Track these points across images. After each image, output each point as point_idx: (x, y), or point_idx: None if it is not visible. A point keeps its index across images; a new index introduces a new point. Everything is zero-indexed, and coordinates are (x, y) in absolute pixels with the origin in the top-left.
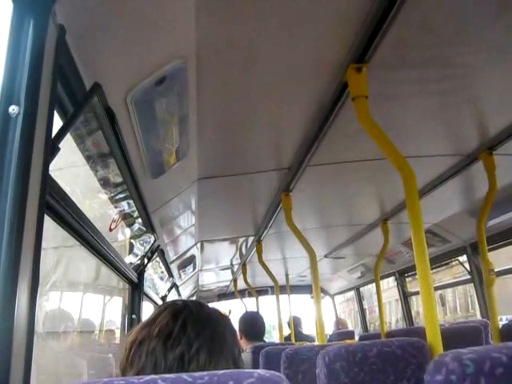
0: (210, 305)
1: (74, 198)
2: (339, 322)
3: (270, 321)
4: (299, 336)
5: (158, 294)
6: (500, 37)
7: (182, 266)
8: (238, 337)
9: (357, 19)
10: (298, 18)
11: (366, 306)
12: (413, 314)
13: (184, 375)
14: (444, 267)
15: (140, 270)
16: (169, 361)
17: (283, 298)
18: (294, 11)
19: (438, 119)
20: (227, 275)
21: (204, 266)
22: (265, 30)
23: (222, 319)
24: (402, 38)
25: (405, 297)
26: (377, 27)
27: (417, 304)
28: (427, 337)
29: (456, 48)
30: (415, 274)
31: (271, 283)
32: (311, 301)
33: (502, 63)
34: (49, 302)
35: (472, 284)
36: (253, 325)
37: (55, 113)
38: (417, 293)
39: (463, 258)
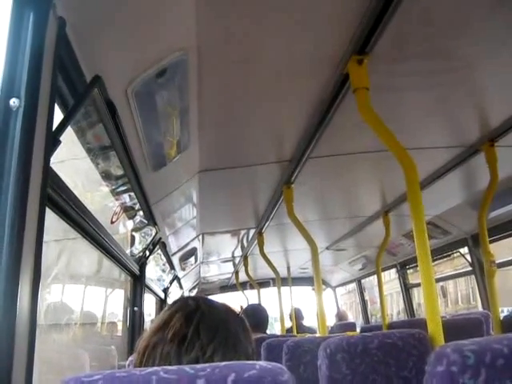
0: (213, 297)
1: (75, 191)
2: (340, 314)
3: (271, 313)
4: (301, 328)
5: (159, 287)
6: (501, 28)
7: (184, 259)
8: None
9: (357, 11)
10: (298, 10)
11: (367, 298)
12: (414, 305)
13: (186, 367)
14: (445, 259)
15: (142, 262)
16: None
17: (285, 290)
18: (295, 3)
19: (440, 111)
20: (229, 267)
21: (205, 258)
22: (265, 23)
23: (235, 319)
24: (402, 30)
25: (406, 289)
26: (378, 19)
27: (418, 296)
28: (428, 328)
29: (457, 40)
30: (416, 265)
31: (273, 275)
32: (313, 293)
33: (503, 55)
34: (51, 294)
35: (473, 276)
36: (256, 316)
37: (56, 105)
38: (418, 284)
39: (464, 250)
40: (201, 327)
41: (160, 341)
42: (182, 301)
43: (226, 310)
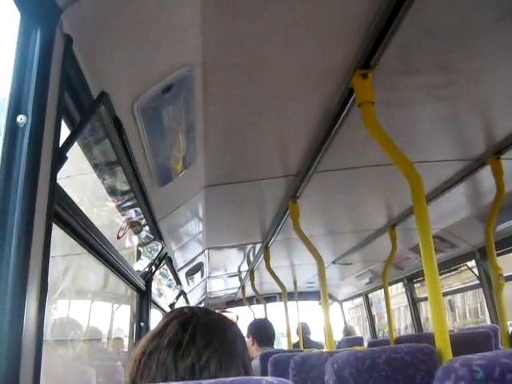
0: (218, 312)
1: (81, 207)
2: (347, 329)
3: (278, 328)
4: (308, 343)
5: (166, 302)
6: (506, 41)
7: (190, 274)
8: (250, 343)
9: (362, 25)
10: (303, 25)
11: (374, 313)
12: (422, 320)
13: (191, 383)
14: (453, 272)
15: (148, 277)
16: (179, 371)
17: (291, 304)
18: (299, 18)
19: (445, 124)
20: (235, 282)
21: (212, 273)
22: (270, 38)
23: (231, 326)
24: (407, 43)
25: (413, 303)
26: (382, 33)
27: (426, 310)
28: (436, 343)
29: (461, 53)
30: (424, 279)
31: (279, 290)
32: (319, 307)
33: (508, 67)
34: (57, 309)
35: (481, 289)
36: (263, 331)
37: (62, 122)
38: (426, 299)
39: (472, 263)
40: (196, 333)
41: (156, 348)
42: (178, 310)
43: (222, 317)
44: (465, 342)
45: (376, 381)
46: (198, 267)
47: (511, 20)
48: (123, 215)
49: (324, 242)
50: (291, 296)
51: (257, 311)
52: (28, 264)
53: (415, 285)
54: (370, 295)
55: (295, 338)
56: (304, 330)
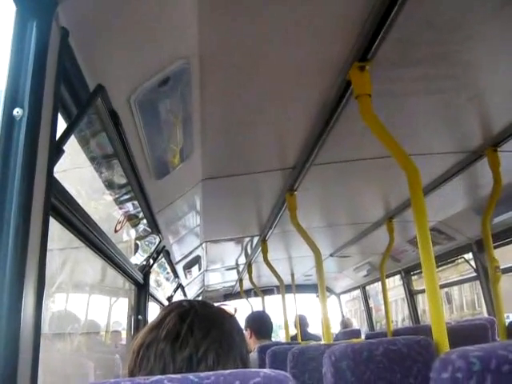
0: (216, 305)
1: (79, 200)
2: (345, 321)
3: (276, 320)
4: (305, 335)
5: (163, 295)
6: (503, 33)
7: (188, 267)
8: (248, 336)
9: (359, 18)
10: (300, 18)
11: (372, 305)
12: (419, 312)
13: (190, 375)
14: (450, 265)
15: (145, 270)
16: (177, 363)
17: (289, 297)
18: (297, 11)
19: (442, 116)
20: (233, 275)
21: (209, 266)
22: (268, 30)
23: (229, 319)
24: (404, 36)
25: (411, 295)
26: (379, 25)
27: (423, 302)
28: (433, 335)
29: (459, 45)
30: (421, 272)
31: (277, 283)
32: (317, 300)
33: (505, 60)
34: (55, 303)
35: (478, 281)
36: (261, 323)
37: (59, 115)
38: (423, 291)
39: (469, 256)
40: (194, 325)
41: (154, 340)
42: (177, 302)
43: (220, 310)
44: (462, 334)
45: (373, 373)
46: (196, 260)
47: (508, 11)
48: (121, 208)
49: (321, 234)
50: (289, 289)
51: (254, 304)
52: (25, 258)
53: (412, 277)
54: (367, 288)
55: (293, 331)
56: (302, 323)
